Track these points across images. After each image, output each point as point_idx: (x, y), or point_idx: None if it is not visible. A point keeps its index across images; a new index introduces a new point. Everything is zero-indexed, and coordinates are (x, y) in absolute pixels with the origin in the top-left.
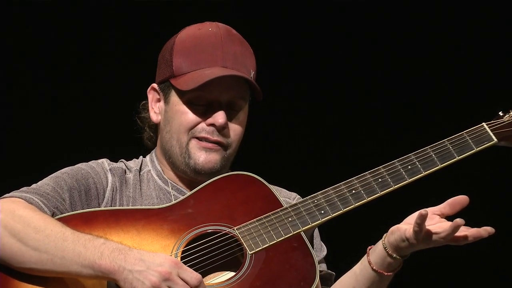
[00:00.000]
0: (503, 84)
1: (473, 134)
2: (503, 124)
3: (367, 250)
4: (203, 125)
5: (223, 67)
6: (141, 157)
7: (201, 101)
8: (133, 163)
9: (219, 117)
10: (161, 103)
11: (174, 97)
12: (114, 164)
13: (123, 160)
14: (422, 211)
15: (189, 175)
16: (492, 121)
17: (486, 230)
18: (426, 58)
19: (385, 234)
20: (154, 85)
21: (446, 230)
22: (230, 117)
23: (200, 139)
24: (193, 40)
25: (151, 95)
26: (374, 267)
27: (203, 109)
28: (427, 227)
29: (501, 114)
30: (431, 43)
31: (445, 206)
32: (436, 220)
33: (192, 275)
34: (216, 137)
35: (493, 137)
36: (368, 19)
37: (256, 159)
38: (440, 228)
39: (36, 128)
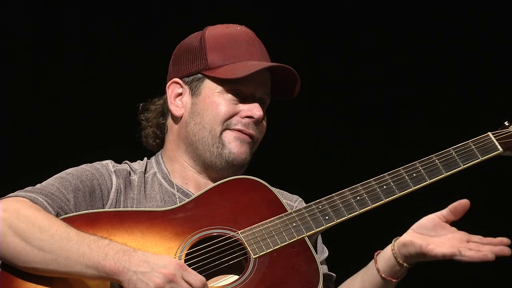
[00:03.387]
0: (509, 93)
1: (478, 143)
2: (509, 134)
3: (375, 256)
4: (238, 117)
5: (261, 62)
6: (145, 158)
7: (237, 94)
8: (138, 165)
9: (257, 109)
10: (186, 97)
11: (206, 89)
12: (119, 166)
13: (127, 161)
14: (457, 252)
15: (218, 166)
16: (497, 131)
17: (507, 246)
18: (433, 67)
19: (394, 241)
20: (177, 79)
21: (473, 258)
22: None
23: (233, 131)
24: (226, 36)
25: (171, 90)
26: (383, 275)
27: (237, 102)
28: (441, 237)
29: (507, 124)
30: (439, 52)
31: (448, 213)
32: (448, 230)
33: (196, 278)
34: (251, 130)
35: (499, 146)
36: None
37: (257, 161)
38: (466, 251)
39: (41, 128)
